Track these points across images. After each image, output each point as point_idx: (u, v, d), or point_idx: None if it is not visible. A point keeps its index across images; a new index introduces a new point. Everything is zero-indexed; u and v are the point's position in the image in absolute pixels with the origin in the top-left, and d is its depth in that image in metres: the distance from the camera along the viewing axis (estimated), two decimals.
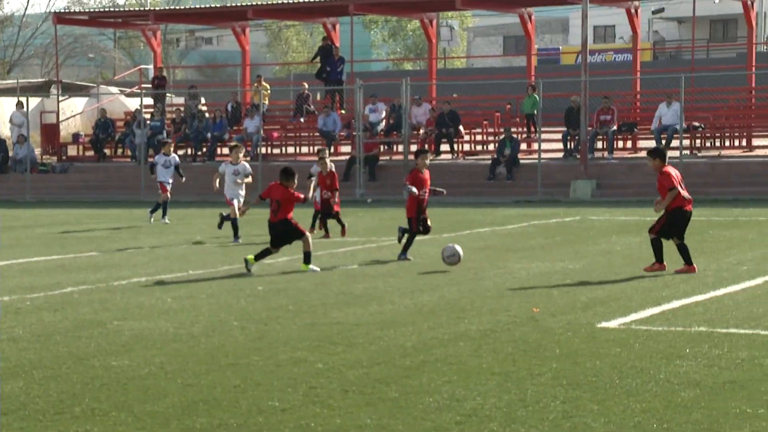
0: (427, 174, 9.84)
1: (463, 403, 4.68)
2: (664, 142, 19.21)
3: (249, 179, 12.07)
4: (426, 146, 19.67)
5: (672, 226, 8.61)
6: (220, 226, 12.19)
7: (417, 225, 9.75)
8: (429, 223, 9.83)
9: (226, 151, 20.79)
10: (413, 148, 18.93)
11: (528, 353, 5.83)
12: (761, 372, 5.32)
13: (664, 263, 8.69)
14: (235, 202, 11.64)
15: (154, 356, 5.76)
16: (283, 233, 8.92)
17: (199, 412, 4.54)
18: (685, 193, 8.59)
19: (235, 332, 6.52)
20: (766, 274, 8.98)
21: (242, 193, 11.84)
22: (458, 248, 9.00)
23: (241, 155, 12.11)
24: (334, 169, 12.57)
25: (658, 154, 8.96)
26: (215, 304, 7.66)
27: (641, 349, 5.95)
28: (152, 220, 14.95)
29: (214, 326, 6.75)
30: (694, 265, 8.85)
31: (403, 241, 9.83)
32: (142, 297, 8.06)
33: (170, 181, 15.03)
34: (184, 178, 15.44)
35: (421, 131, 21.70)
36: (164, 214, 15.03)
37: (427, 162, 9.93)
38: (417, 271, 9.52)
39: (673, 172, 8.68)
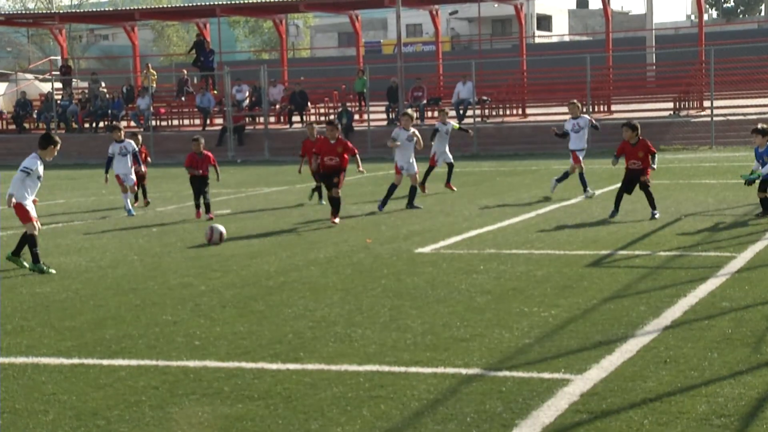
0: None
1: (314, 312, 10.65)
2: (462, 112, 40.24)
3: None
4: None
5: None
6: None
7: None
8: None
9: (124, 123, 45.04)
10: (271, 119, 44.29)
11: (363, 274, 12.79)
12: (535, 281, 11.87)
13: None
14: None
15: (71, 284, 12.77)
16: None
17: (108, 326, 10.22)
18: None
19: (135, 264, 14.10)
20: (538, 209, 18.87)
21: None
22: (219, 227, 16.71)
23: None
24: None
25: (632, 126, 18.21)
26: (119, 243, 16.46)
27: (447, 268, 12.79)
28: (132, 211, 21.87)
29: (118, 260, 14.39)
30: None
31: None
32: (59, 239, 16.59)
33: (131, 173, 21.60)
34: (144, 168, 22.75)
35: (277, 106, 45.15)
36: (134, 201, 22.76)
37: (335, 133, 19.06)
38: (277, 212, 20.11)
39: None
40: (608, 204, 21.01)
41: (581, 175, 22.56)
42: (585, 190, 22.84)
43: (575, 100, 23.53)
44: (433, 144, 24.31)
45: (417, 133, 21.60)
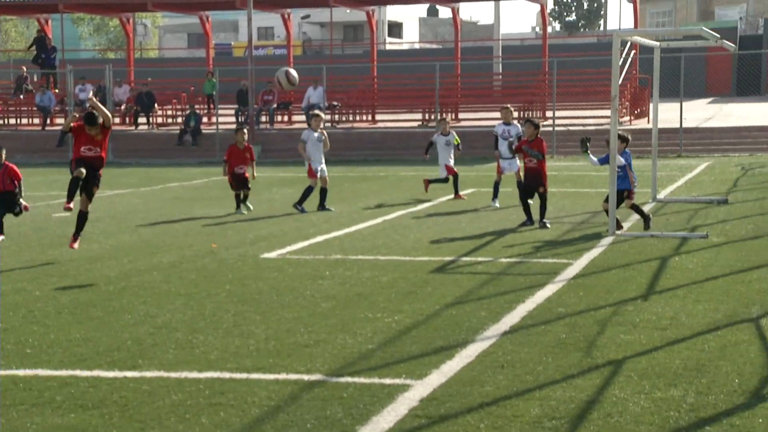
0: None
1: (155, 318, 10.67)
2: None
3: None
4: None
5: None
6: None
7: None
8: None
9: None
10: (116, 120, 45.11)
11: (207, 279, 13.05)
12: (380, 287, 12.24)
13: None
14: None
15: None
16: None
17: None
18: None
19: None
20: (385, 215, 19.77)
21: None
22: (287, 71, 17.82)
23: None
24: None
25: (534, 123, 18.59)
26: None
27: (294, 273, 13.29)
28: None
29: None
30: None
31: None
32: None
33: None
34: None
35: (123, 107, 45.04)
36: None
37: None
38: (118, 216, 20.32)
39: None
40: (456, 211, 21.65)
41: (496, 183, 22.61)
42: (493, 199, 22.52)
43: (509, 105, 22.71)
44: (438, 155, 23.68)
45: (325, 134, 21.53)
